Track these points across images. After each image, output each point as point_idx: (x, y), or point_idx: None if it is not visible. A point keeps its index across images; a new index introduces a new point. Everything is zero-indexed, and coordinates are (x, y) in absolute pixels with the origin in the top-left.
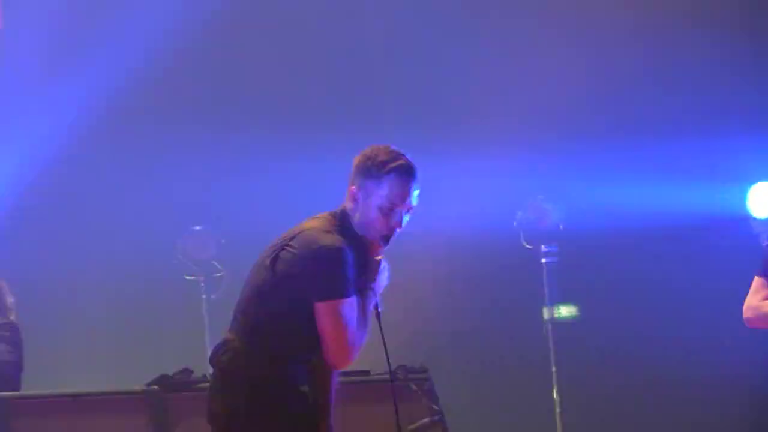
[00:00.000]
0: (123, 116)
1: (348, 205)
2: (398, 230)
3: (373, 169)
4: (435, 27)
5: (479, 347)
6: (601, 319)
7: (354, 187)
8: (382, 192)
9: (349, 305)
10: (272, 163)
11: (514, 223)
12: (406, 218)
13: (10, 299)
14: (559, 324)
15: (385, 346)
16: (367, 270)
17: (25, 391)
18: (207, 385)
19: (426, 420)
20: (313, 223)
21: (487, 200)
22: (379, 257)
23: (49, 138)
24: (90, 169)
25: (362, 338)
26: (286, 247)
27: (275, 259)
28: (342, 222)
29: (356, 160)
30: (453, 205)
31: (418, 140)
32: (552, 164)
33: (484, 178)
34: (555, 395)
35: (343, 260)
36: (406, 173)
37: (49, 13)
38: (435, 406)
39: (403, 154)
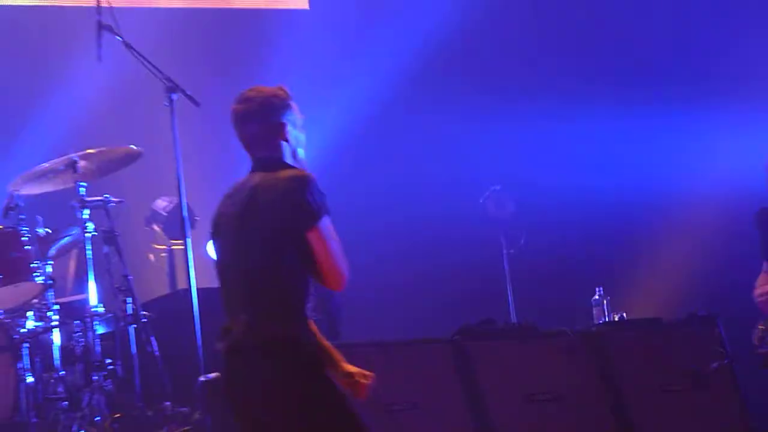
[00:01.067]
0: (429, 86)
1: None
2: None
3: None
4: None
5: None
6: None
7: None
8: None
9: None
10: (562, 125)
11: None
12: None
13: None
14: None
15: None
16: None
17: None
18: (507, 333)
19: (715, 364)
20: None
21: None
22: None
23: (362, 102)
24: (397, 134)
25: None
26: None
27: None
28: None
29: None
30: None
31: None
32: None
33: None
34: None
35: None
36: None
37: None
38: (723, 351)
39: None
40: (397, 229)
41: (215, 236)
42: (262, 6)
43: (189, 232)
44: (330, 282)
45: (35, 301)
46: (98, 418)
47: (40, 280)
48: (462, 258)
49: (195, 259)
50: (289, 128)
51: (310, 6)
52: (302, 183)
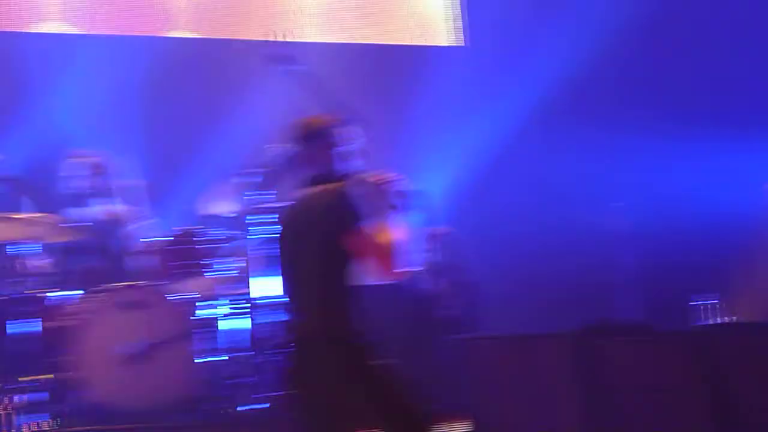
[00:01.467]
0: (566, 110)
1: None
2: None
3: None
4: None
5: None
6: None
7: None
8: None
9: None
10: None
11: None
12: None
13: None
14: None
15: None
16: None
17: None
18: (630, 332)
19: None
20: None
21: None
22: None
23: (506, 122)
24: (530, 156)
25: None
26: None
27: None
28: None
29: None
30: None
31: None
32: None
33: None
34: None
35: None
36: None
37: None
38: None
39: None
40: (528, 235)
41: (280, 243)
42: (421, 43)
43: None
44: (382, 274)
45: (209, 292)
46: (258, 395)
47: (213, 275)
48: (582, 261)
49: None
50: (335, 148)
51: (466, 43)
52: (340, 195)
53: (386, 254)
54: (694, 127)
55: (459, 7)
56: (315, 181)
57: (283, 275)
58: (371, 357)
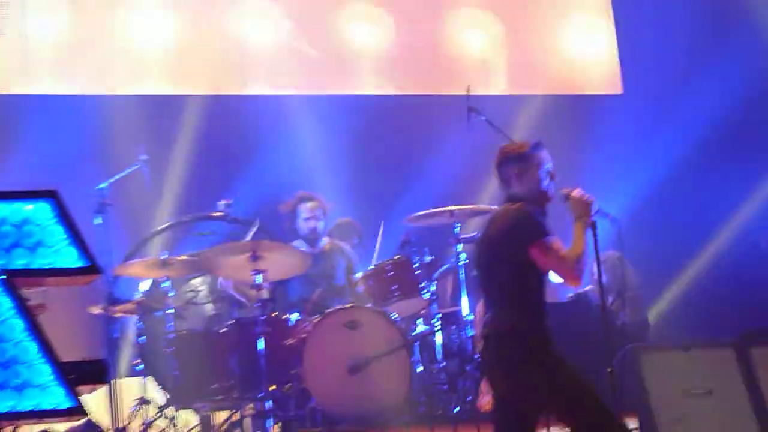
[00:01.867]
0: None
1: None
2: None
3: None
4: None
5: None
6: None
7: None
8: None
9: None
10: None
11: None
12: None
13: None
14: None
15: None
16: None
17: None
18: None
19: None
20: None
21: None
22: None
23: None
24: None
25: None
26: None
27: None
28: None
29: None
30: None
31: None
32: None
33: None
34: None
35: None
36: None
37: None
38: None
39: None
40: (696, 249)
41: (475, 255)
42: (580, 92)
43: None
44: (566, 281)
45: (423, 311)
46: (470, 398)
47: (426, 296)
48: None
49: None
50: (526, 173)
51: (623, 90)
52: (521, 213)
53: (572, 264)
54: None
55: (616, 56)
56: (509, 200)
57: (479, 283)
58: (551, 348)
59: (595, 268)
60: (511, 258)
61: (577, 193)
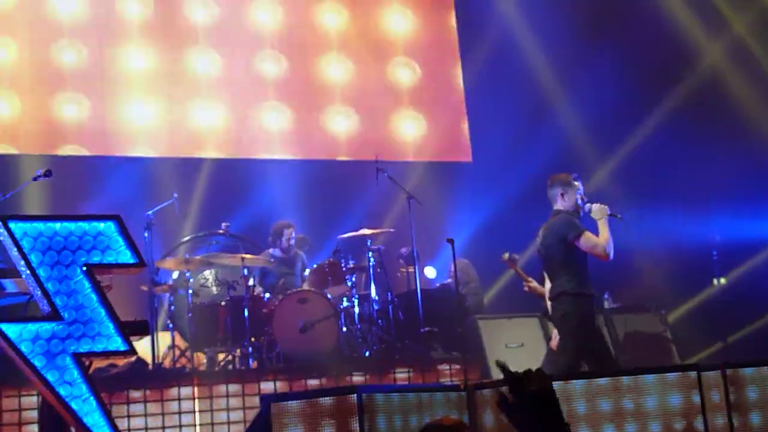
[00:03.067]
0: None
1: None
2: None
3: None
4: None
5: None
6: None
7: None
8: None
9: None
10: None
11: None
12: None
13: None
14: None
15: None
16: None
17: None
18: None
19: None
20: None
21: None
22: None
23: None
24: None
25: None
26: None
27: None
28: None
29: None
30: None
31: None
32: None
33: None
34: None
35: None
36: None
37: None
38: None
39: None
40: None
41: (541, 248)
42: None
43: (417, 264)
44: (600, 258)
45: (347, 293)
46: (375, 347)
47: (349, 284)
48: None
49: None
50: (567, 194)
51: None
52: (566, 220)
53: (603, 246)
54: None
55: (467, 130)
56: (554, 215)
57: (545, 267)
58: (590, 300)
59: (452, 268)
60: (562, 248)
61: (595, 206)
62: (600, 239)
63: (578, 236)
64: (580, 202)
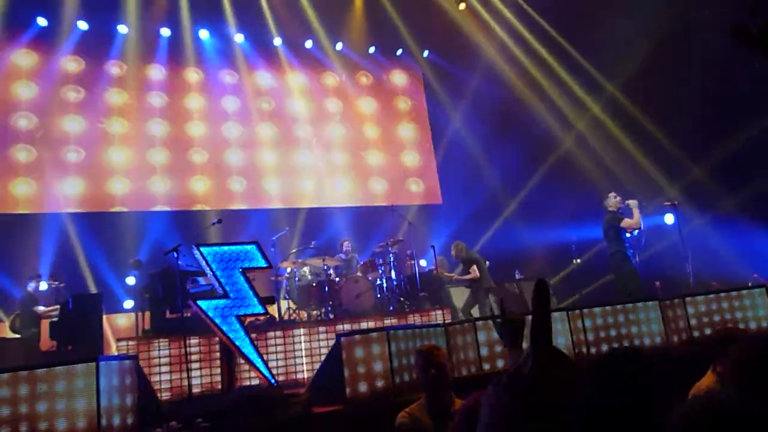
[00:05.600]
0: None
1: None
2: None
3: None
4: None
5: None
6: None
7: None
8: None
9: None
10: None
11: None
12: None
13: None
14: None
15: None
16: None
17: None
18: None
19: None
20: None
21: None
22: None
23: None
24: None
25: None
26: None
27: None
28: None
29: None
30: None
31: None
32: None
33: None
34: None
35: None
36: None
37: None
38: None
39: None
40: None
41: (604, 228)
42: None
43: (416, 259)
44: (635, 230)
45: (379, 276)
46: (394, 306)
47: (379, 271)
48: None
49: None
50: (610, 203)
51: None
52: (610, 216)
53: (637, 224)
54: None
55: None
56: (607, 212)
57: (606, 240)
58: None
59: (435, 261)
60: (608, 230)
61: (632, 203)
62: (633, 221)
63: (622, 220)
64: (618, 206)
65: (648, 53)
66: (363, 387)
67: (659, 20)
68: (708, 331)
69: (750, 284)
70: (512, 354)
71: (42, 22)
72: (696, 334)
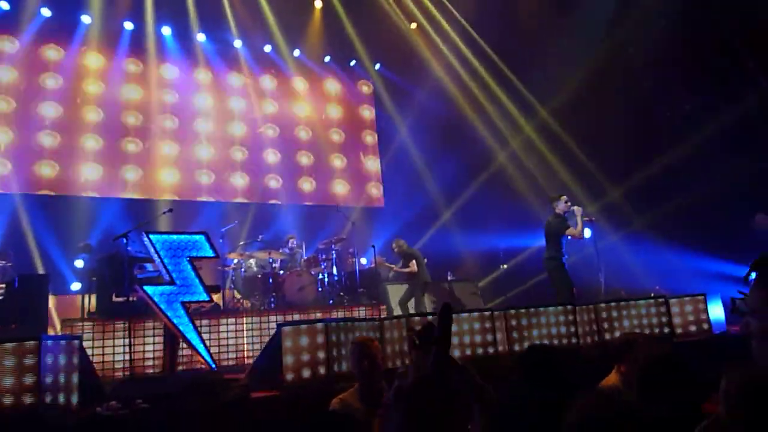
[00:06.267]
0: None
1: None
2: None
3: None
4: None
5: None
6: None
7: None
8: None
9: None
10: None
11: None
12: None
13: None
14: None
15: None
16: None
17: None
18: None
19: None
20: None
21: None
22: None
23: None
24: None
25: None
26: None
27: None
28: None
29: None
30: None
31: None
32: None
33: None
34: None
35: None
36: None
37: None
38: None
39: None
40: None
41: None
42: (362, 205)
43: (356, 257)
44: (577, 239)
45: (321, 271)
46: (332, 300)
47: (322, 266)
48: None
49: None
50: (560, 206)
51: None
52: (559, 221)
53: (580, 234)
54: None
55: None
56: (553, 215)
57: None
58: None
59: (374, 259)
60: (552, 234)
61: (577, 209)
62: (577, 230)
63: (566, 229)
64: (564, 209)
65: (579, 84)
66: (300, 374)
67: (592, 55)
68: (615, 335)
69: (652, 295)
70: (420, 354)
71: (4, 5)
72: (607, 337)
